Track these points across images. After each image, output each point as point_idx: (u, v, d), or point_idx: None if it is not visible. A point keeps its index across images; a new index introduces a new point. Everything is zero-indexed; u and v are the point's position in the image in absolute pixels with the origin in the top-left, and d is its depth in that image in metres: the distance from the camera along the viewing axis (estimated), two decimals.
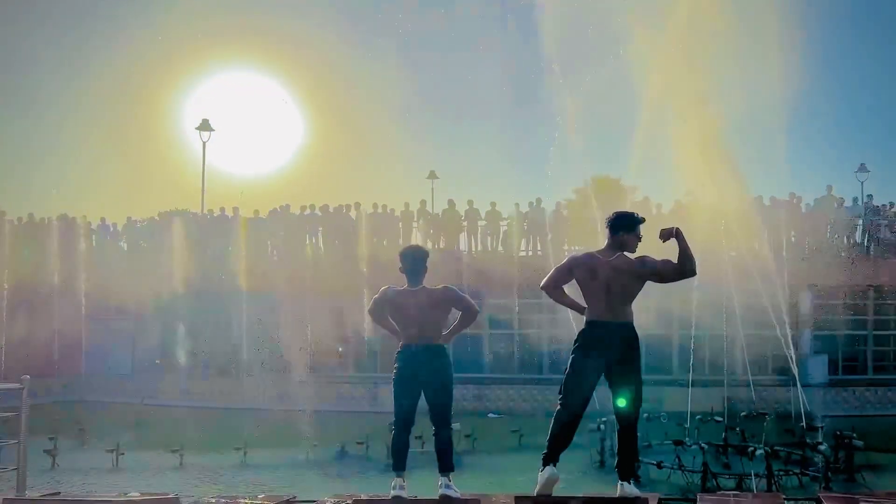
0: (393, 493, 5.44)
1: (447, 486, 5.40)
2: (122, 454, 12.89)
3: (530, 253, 21.37)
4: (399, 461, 5.51)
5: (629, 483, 5.26)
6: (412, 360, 5.51)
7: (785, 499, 7.40)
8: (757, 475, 11.55)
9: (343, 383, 19.01)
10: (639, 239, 5.37)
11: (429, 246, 21.63)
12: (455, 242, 21.94)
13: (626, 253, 5.33)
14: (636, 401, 5.29)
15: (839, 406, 18.14)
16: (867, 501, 5.56)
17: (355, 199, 21.38)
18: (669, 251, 5.22)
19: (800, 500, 7.69)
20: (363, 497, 5.58)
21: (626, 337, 5.27)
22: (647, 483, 11.89)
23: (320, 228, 21.05)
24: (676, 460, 12.11)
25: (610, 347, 5.25)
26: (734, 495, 8.17)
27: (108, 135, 23.46)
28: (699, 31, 18.42)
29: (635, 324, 5.41)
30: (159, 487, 9.80)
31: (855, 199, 20.54)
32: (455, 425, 14.63)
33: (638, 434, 5.48)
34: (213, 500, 7.26)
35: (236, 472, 12.35)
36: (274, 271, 18.94)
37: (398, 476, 5.49)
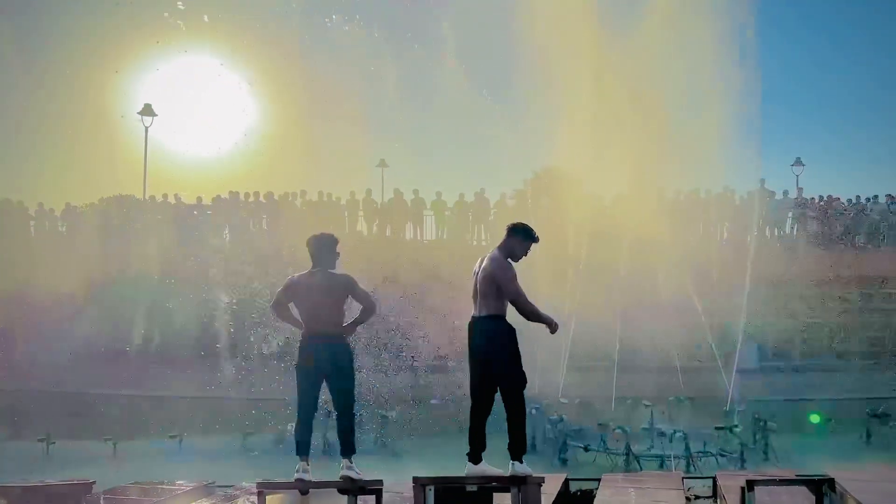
0: (297, 475, 5.65)
1: (348, 468, 5.62)
2: (53, 443, 12.84)
3: (475, 243, 21.64)
4: (302, 447, 5.73)
5: (520, 462, 5.55)
6: (312, 351, 5.73)
7: (684, 477, 7.87)
8: (677, 457, 12.10)
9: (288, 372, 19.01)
10: (525, 253, 5.72)
11: (374, 234, 21.77)
12: (402, 231, 22.09)
13: (499, 255, 5.65)
14: (511, 387, 5.57)
15: (769, 391, 18.88)
16: (748, 479, 5.96)
17: (301, 187, 21.35)
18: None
19: (698, 477, 8.13)
20: (268, 481, 5.76)
21: (485, 329, 5.58)
22: (574, 465, 12.33)
23: (264, 216, 21.01)
24: (602, 443, 12.60)
25: (475, 341, 5.61)
26: (637, 474, 8.63)
27: (47, 118, 22.87)
28: (640, 24, 18.89)
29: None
30: (87, 475, 9.80)
31: (786, 192, 21.33)
32: (391, 413, 14.79)
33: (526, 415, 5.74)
34: (132, 485, 7.38)
35: (169, 459, 12.39)
36: (216, 259, 18.85)
37: (302, 461, 5.70)
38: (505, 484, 5.51)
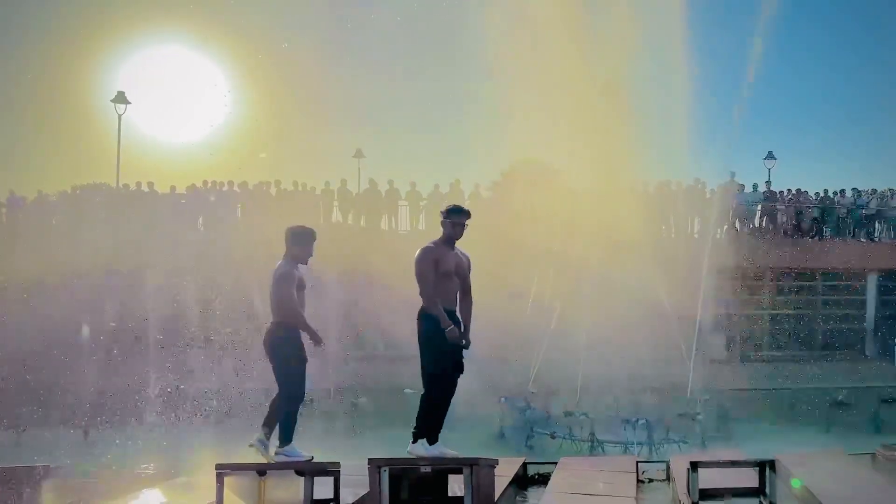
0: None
1: (275, 453, 5.79)
2: (24, 430, 12.86)
3: None
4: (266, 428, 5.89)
5: (414, 443, 5.77)
6: (265, 338, 5.94)
7: (639, 462, 8.09)
8: (640, 443, 12.38)
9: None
10: (461, 229, 5.88)
11: (349, 224, 21.77)
12: (377, 222, 22.14)
13: (428, 244, 5.85)
14: (425, 373, 5.81)
15: (736, 380, 19.24)
16: (692, 460, 6.16)
17: (276, 177, 21.32)
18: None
19: (653, 461, 8.35)
20: (226, 463, 5.86)
21: (417, 318, 5.83)
22: (540, 452, 12.56)
23: (239, 205, 20.96)
24: (568, 430, 12.86)
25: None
26: (594, 459, 8.84)
27: (18, 105, 22.60)
28: (613, 17, 19.05)
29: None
30: (57, 462, 9.84)
31: (755, 186, 21.69)
32: (361, 400, 14.99)
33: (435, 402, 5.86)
34: (93, 471, 7.46)
35: (140, 446, 12.42)
36: (188, 249, 18.78)
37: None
38: (459, 465, 5.66)
